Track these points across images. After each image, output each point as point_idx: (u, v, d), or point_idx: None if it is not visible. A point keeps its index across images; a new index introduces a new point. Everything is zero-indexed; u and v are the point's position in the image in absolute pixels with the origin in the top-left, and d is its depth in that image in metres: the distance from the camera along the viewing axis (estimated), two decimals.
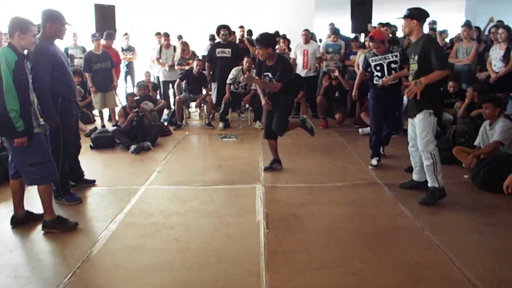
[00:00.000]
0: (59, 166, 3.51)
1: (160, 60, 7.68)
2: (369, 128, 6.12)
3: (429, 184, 3.51)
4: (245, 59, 6.70)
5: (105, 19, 7.61)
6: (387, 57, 4.42)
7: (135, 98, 5.82)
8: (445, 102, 5.67)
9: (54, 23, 3.42)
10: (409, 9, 3.48)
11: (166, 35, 8.03)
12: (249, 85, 6.77)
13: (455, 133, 4.87)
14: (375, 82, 4.53)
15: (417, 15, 3.43)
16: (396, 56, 4.41)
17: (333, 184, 4.07)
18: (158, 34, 8.43)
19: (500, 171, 3.63)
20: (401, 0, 12.97)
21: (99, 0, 7.87)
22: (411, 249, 2.79)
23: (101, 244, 2.91)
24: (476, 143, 4.40)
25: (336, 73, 6.67)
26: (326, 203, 3.63)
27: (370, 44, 4.59)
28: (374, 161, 4.60)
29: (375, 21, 7.90)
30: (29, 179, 3.03)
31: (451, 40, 7.24)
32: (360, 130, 6.24)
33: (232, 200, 3.75)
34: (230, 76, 6.74)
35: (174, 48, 7.85)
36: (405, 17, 3.47)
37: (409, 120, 3.69)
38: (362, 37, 7.03)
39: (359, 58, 6.49)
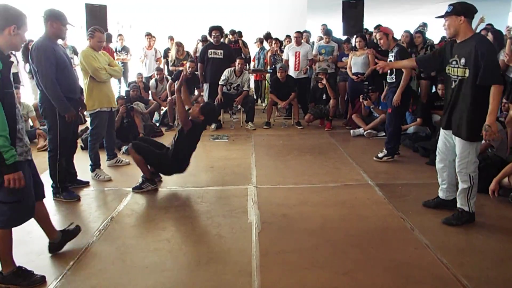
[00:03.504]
0: (57, 164, 3.66)
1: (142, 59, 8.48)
2: (361, 129, 6.21)
3: (458, 205, 3.17)
4: (237, 61, 6.72)
5: (97, 19, 7.55)
6: (390, 56, 4.67)
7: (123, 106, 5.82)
8: (435, 105, 5.75)
9: (54, 22, 3.46)
10: (452, 5, 2.90)
11: (148, 35, 8.27)
12: (241, 86, 6.80)
13: None
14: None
15: (464, 10, 2.88)
16: (392, 56, 4.60)
17: (324, 185, 4.10)
18: (148, 34, 8.45)
19: (488, 172, 3.68)
20: (392, 2, 13.17)
21: (90, 0, 7.81)
22: (401, 249, 2.82)
23: (93, 245, 2.90)
24: None
25: (324, 81, 6.72)
26: (317, 203, 3.65)
27: (377, 34, 4.81)
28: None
29: (366, 24, 7.98)
30: None
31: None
32: (351, 131, 6.29)
33: (224, 201, 3.76)
34: (223, 77, 6.75)
35: (156, 50, 8.49)
36: (448, 14, 2.93)
37: (442, 131, 3.27)
38: (353, 40, 7.07)
39: (350, 61, 6.55)
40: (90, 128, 4.40)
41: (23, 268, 2.45)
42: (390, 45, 4.69)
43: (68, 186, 3.80)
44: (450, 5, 2.93)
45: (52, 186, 3.75)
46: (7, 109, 2.16)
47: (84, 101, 4.17)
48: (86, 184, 4.12)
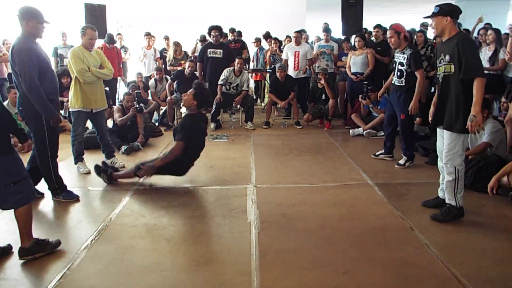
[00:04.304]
0: (50, 167, 3.62)
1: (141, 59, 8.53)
2: (360, 129, 6.21)
3: (446, 201, 3.23)
4: (237, 60, 6.72)
5: (96, 19, 7.53)
6: (399, 57, 4.49)
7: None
8: None
9: (30, 21, 3.32)
10: (439, 6, 3.05)
11: (148, 34, 8.33)
12: (240, 86, 6.80)
13: None
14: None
15: (450, 11, 3.04)
16: (404, 58, 4.41)
17: (324, 185, 4.10)
18: (147, 34, 8.46)
19: (487, 171, 3.70)
20: (391, 2, 13.18)
21: None
22: (400, 249, 2.82)
23: (92, 245, 2.90)
24: None
25: (322, 81, 6.72)
26: (317, 203, 3.65)
27: (388, 32, 4.60)
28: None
29: (365, 23, 7.97)
30: (12, 202, 2.60)
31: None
32: (351, 131, 6.29)
33: (223, 200, 3.75)
34: (222, 77, 6.75)
35: (155, 49, 8.54)
36: (435, 14, 3.07)
37: (438, 130, 3.33)
38: (352, 39, 7.07)
39: (350, 60, 6.54)
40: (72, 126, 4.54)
41: (39, 238, 2.74)
42: (401, 45, 4.43)
43: (66, 186, 3.76)
44: (436, 6, 3.07)
45: (49, 189, 3.73)
46: None
47: (69, 98, 4.32)
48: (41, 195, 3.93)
